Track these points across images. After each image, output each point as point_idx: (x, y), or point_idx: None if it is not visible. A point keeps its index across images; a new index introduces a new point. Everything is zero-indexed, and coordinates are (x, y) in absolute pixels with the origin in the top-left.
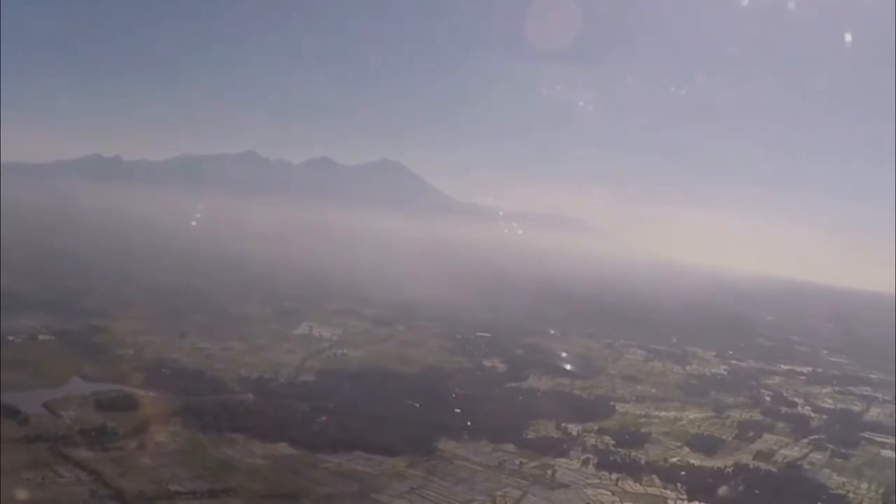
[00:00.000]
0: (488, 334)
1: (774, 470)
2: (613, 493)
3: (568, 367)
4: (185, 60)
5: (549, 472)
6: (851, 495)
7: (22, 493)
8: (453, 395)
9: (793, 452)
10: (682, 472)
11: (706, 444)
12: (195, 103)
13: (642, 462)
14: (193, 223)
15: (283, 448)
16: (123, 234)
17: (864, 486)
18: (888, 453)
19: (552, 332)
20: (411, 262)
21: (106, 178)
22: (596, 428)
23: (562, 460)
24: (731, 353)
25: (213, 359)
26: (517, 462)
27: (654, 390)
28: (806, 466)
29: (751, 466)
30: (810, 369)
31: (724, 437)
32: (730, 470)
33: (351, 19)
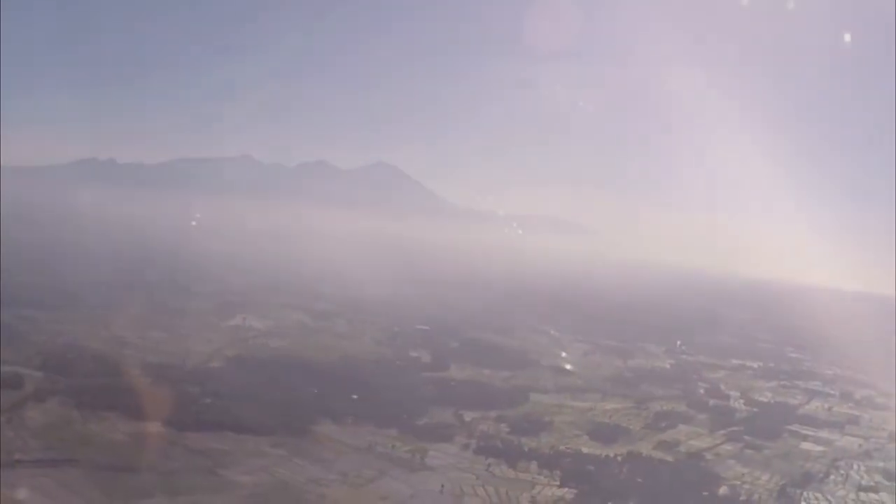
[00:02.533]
0: (427, 328)
1: (670, 459)
2: (478, 478)
3: (499, 359)
4: (180, 64)
5: (419, 455)
6: (746, 486)
7: None
8: (359, 383)
9: (701, 443)
10: (566, 460)
11: (608, 434)
12: (190, 106)
13: (526, 449)
14: (193, 223)
15: (152, 426)
16: (110, 235)
17: (766, 477)
18: (808, 446)
19: (502, 327)
20: (390, 263)
21: (100, 181)
22: (495, 416)
23: (441, 445)
24: (683, 348)
25: (125, 346)
26: (390, 446)
27: (580, 382)
28: (709, 457)
29: (644, 455)
30: (761, 364)
31: (631, 427)
32: (619, 458)
33: (346, 21)
